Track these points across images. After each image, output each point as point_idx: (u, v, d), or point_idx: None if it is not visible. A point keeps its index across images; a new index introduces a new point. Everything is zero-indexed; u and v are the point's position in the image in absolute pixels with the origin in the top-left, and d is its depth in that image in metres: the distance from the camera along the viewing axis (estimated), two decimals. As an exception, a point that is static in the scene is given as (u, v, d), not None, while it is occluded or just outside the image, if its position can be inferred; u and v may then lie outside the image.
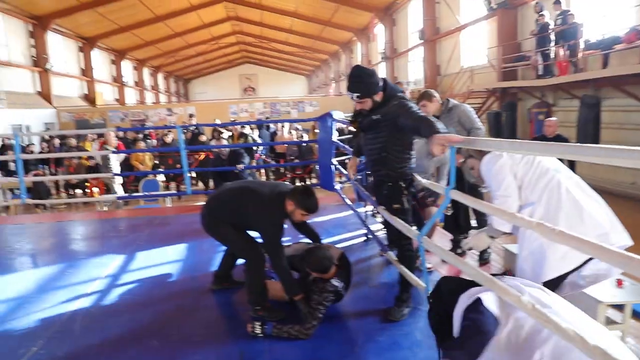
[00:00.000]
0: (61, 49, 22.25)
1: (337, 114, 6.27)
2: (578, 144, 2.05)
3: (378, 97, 2.86)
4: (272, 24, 29.10)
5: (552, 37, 9.76)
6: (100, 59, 26.42)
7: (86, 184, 10.60)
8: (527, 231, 2.19)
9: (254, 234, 3.28)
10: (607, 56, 9.02)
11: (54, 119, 20.22)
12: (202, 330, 3.03)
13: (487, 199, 2.69)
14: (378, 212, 3.92)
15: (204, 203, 3.45)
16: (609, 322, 3.47)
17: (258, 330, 2.86)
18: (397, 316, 3.02)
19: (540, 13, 9.97)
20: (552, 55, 9.91)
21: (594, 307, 3.16)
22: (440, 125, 2.45)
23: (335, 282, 3.00)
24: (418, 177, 3.16)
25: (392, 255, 3.33)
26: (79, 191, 11.06)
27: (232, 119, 18.65)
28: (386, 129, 2.88)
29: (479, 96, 13.42)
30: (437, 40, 17.43)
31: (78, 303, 3.47)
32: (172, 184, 10.56)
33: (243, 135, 10.20)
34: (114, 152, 7.55)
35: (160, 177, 9.02)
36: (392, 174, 2.97)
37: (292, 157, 10.34)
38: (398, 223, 2.96)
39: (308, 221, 3.43)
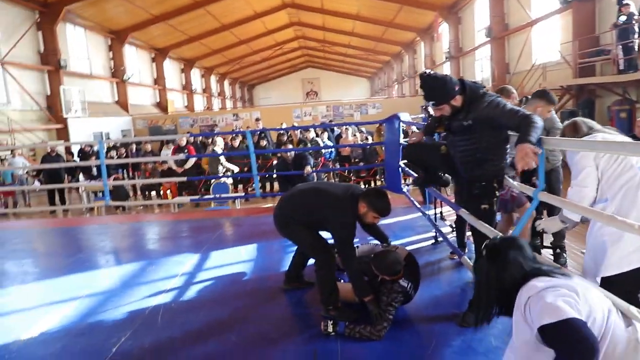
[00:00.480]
0: (136, 60, 23.73)
1: (404, 116, 6.22)
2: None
3: (456, 101, 2.78)
4: (334, 27, 29.29)
5: (637, 28, 9.07)
6: (170, 68, 27.87)
7: (160, 186, 11.19)
8: (595, 225, 2.10)
9: (325, 234, 3.33)
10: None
11: (129, 126, 21.54)
12: (277, 328, 3.11)
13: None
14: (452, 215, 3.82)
15: (277, 203, 3.55)
16: None
17: (330, 328, 2.89)
18: (470, 322, 2.94)
19: (625, 2, 9.29)
20: (636, 48, 9.20)
21: None
22: (540, 123, 2.41)
23: (403, 283, 2.99)
24: (508, 179, 3.06)
25: (466, 258, 3.25)
26: (154, 194, 11.70)
27: (296, 123, 18.96)
28: (480, 131, 2.78)
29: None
30: (505, 37, 16.76)
31: (159, 298, 3.69)
32: (240, 187, 10.89)
33: (302, 141, 10.28)
34: (189, 157, 7.89)
35: (229, 180, 9.34)
36: (487, 173, 2.87)
37: (357, 160, 10.33)
38: (484, 226, 2.88)
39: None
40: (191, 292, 3.83)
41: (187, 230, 6.01)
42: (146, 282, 4.12)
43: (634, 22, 9.08)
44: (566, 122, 2.68)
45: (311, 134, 9.74)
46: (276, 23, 28.46)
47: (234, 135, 10.95)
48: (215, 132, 15.48)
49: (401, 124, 6.14)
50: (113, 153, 12.45)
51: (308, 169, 6.34)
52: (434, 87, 2.77)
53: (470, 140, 2.83)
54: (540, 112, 3.50)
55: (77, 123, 16.89)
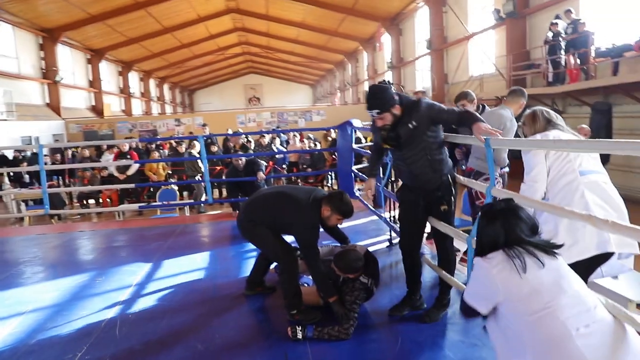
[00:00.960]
0: (70, 61, 22.50)
1: (356, 122, 6.35)
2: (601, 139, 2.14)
3: (396, 110, 2.91)
4: (279, 34, 29.35)
5: (563, 45, 9.85)
6: (107, 71, 26.69)
7: (99, 194, 10.68)
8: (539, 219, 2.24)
9: (289, 238, 3.34)
10: (616, 63, 9.10)
11: (62, 130, 20.36)
12: (243, 334, 3.08)
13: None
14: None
15: (241, 208, 3.53)
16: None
17: (299, 334, 2.90)
18: (436, 318, 3.06)
19: (554, 22, 10.08)
20: (563, 63, 9.99)
21: (623, 304, 3.17)
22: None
23: (364, 279, 3.08)
24: (460, 177, 3.29)
25: (428, 258, 3.39)
26: (91, 201, 11.13)
27: (240, 129, 18.77)
28: (423, 135, 2.93)
29: (488, 104, 13.45)
30: (444, 49, 17.57)
31: (114, 310, 3.52)
32: (186, 194, 10.63)
33: (244, 147, 10.17)
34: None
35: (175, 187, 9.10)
36: (443, 176, 3.04)
37: (305, 166, 10.40)
38: (445, 226, 3.04)
39: None
40: (148, 302, 3.69)
41: (136, 238, 5.78)
42: (97, 293, 3.92)
43: (560, 39, 9.84)
44: (527, 111, 2.85)
45: (266, 140, 9.69)
46: (220, 28, 28.08)
47: (178, 141, 10.66)
48: (160, 137, 14.98)
49: (353, 130, 6.26)
50: (47, 159, 11.74)
51: (261, 175, 6.29)
52: (376, 94, 2.89)
53: (417, 150, 2.96)
54: (521, 106, 3.88)
55: (2, 126, 15.71)
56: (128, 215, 9.60)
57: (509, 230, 1.77)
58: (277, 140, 10.97)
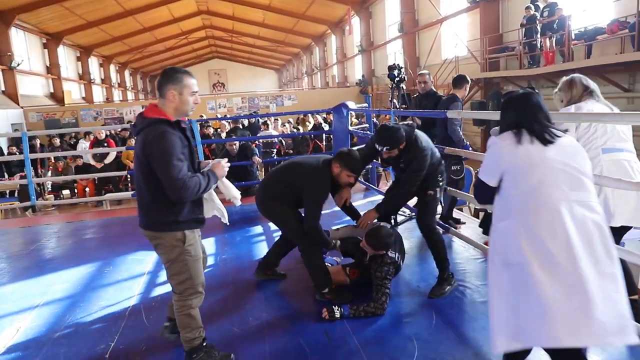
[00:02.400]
0: (24, 46, 21.33)
1: (351, 104, 6.35)
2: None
3: (402, 146, 3.26)
4: (244, 17, 28.78)
5: (539, 28, 10.12)
6: (65, 56, 25.48)
7: (74, 184, 10.26)
8: None
9: None
10: (590, 46, 9.44)
11: (21, 119, 19.39)
12: (276, 316, 3.08)
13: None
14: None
15: (258, 187, 3.52)
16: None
17: (337, 313, 2.92)
18: (439, 293, 3.19)
19: (528, 6, 10.33)
20: (539, 45, 10.27)
21: None
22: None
23: (392, 254, 3.12)
24: None
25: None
26: (66, 192, 10.69)
27: (219, 115, 18.43)
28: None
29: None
30: (416, 32, 17.71)
31: (134, 298, 3.45)
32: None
33: (233, 130, 10.08)
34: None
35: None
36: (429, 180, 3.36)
37: (289, 151, 10.34)
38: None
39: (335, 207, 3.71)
40: (167, 289, 3.59)
41: (132, 227, 5.56)
42: (110, 283, 3.81)
43: (537, 23, 10.10)
44: (564, 78, 2.90)
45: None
46: (183, 11, 27.24)
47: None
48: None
49: (349, 112, 6.25)
50: (14, 149, 11.17)
51: (257, 158, 6.21)
52: (389, 134, 3.20)
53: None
54: (466, 89, 4.69)
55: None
56: (107, 204, 9.29)
57: (525, 113, 1.94)
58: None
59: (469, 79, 4.86)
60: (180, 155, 2.18)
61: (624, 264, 2.50)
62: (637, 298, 2.56)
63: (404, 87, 5.49)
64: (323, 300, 3.20)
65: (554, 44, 9.92)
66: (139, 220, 2.39)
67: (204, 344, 2.46)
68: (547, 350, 1.88)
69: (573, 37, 9.45)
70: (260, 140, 9.24)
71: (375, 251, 3.16)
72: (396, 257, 3.15)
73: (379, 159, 3.59)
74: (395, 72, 5.38)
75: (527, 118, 1.92)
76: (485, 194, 2.03)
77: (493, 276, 1.92)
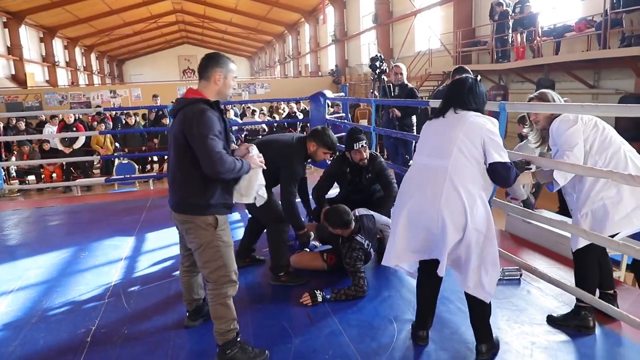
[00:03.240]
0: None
1: (329, 93, 6.39)
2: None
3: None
4: (216, 2, 28.18)
5: (511, 24, 10.36)
6: (28, 37, 24.41)
7: (41, 169, 9.95)
8: (592, 191, 2.44)
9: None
10: (558, 43, 9.75)
11: (-20, 101, 18.58)
12: (258, 298, 3.13)
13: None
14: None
15: None
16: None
17: (320, 298, 2.98)
18: None
19: (499, 2, 10.56)
20: (510, 40, 10.53)
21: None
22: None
23: (359, 238, 3.19)
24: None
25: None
26: (31, 177, 10.34)
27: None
28: (373, 184, 3.93)
29: (435, 79, 13.99)
30: (390, 24, 17.82)
31: (112, 283, 3.43)
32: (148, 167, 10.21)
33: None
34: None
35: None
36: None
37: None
38: None
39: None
40: (146, 273, 3.60)
41: (106, 213, 5.51)
42: (86, 269, 3.76)
43: (509, 18, 10.35)
44: (533, 95, 2.92)
45: (231, 113, 9.50)
46: (154, -7, 26.50)
47: (127, 113, 10.12)
48: (125, 107, 13.90)
49: (326, 100, 6.29)
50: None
51: (233, 145, 6.18)
52: (362, 131, 3.74)
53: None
54: None
55: None
56: (76, 191, 9.06)
57: (448, 93, 2.40)
58: (232, 112, 10.74)
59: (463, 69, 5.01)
60: (218, 133, 2.19)
61: (604, 258, 2.63)
62: (612, 292, 2.68)
63: (385, 79, 5.57)
64: (278, 283, 3.28)
65: (524, 40, 10.19)
66: (170, 202, 2.37)
67: (238, 338, 2.38)
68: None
69: (540, 33, 9.72)
70: (246, 127, 9.19)
71: (335, 229, 3.22)
72: (365, 243, 3.19)
73: (347, 173, 3.84)
74: (377, 64, 5.44)
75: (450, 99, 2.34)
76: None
77: None
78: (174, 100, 9.74)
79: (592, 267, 2.56)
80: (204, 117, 2.18)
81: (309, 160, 3.49)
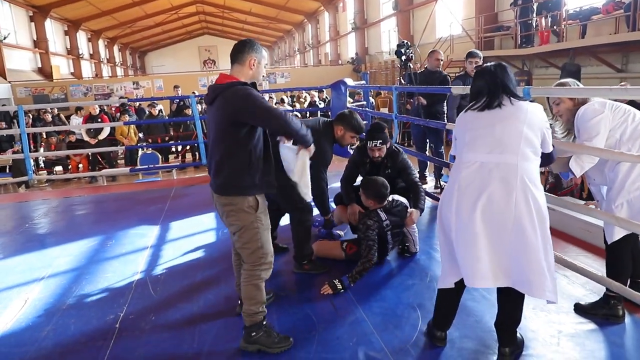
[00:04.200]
0: (10, 19, 20.78)
1: (349, 81, 6.35)
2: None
3: (388, 146, 3.64)
4: (236, -7, 28.26)
5: (535, 7, 10.10)
6: (53, 30, 24.89)
7: (68, 160, 10.19)
8: (627, 180, 2.37)
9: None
10: (585, 26, 9.46)
11: (8, 94, 19.02)
12: (283, 287, 3.14)
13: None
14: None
15: None
16: None
17: (339, 286, 2.99)
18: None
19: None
20: (534, 25, 10.27)
21: None
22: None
23: (380, 213, 3.20)
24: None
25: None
26: (58, 168, 10.61)
27: (203, 91, 18.21)
28: (396, 179, 3.74)
29: (457, 65, 13.75)
30: (411, 10, 17.56)
31: (139, 271, 3.50)
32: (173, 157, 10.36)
33: None
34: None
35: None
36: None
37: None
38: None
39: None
40: (172, 262, 3.67)
41: (131, 203, 5.62)
42: (114, 256, 3.85)
43: (533, 1, 10.08)
44: (554, 84, 2.86)
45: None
46: (174, -16, 26.65)
47: (152, 103, 10.26)
48: (147, 98, 14.06)
49: (347, 88, 6.26)
50: (2, 124, 11.02)
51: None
52: (382, 129, 3.60)
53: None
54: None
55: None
56: (102, 180, 9.25)
57: (490, 85, 2.09)
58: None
59: (474, 52, 5.23)
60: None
61: (637, 247, 2.56)
62: None
63: (411, 66, 5.52)
64: (301, 271, 3.30)
65: (549, 24, 9.92)
66: (212, 186, 2.40)
67: (264, 322, 2.42)
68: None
69: (565, 16, 9.44)
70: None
71: (368, 200, 3.25)
72: (383, 217, 3.19)
73: (367, 164, 3.75)
74: (403, 50, 5.38)
75: (498, 85, 2.10)
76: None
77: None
78: (194, 91, 9.83)
79: (626, 258, 2.50)
80: (253, 93, 2.24)
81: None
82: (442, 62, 5.70)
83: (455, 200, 2.05)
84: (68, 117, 12.48)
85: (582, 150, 2.41)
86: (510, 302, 2.14)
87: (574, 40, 9.39)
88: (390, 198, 3.35)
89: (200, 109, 10.22)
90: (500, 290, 2.16)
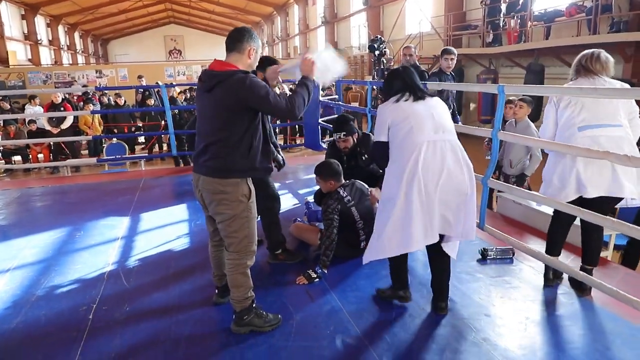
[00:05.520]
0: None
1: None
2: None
3: (355, 137, 3.79)
4: (204, -18, 27.69)
5: (503, 8, 10.38)
6: (8, 13, 23.73)
7: (27, 150, 9.80)
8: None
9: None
10: (549, 28, 9.81)
11: (-41, 80, 18.08)
12: (258, 277, 3.11)
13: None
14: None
15: None
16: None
17: (314, 275, 3.04)
18: None
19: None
20: (501, 24, 10.56)
21: None
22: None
23: (340, 191, 3.27)
24: None
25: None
26: (17, 158, 10.19)
27: (172, 82, 17.83)
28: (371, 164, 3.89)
29: (426, 62, 13.98)
30: (381, 6, 17.70)
31: (111, 262, 3.44)
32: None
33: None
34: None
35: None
36: None
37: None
38: None
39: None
40: (145, 252, 3.61)
41: (99, 194, 5.48)
42: (83, 248, 3.76)
43: (501, 2, 10.36)
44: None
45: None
46: (139, -29, 25.84)
47: (117, 93, 9.97)
48: (111, 87, 13.52)
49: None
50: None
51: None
52: (346, 121, 3.80)
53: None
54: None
55: None
56: (65, 172, 8.96)
57: (405, 81, 2.53)
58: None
59: (449, 49, 5.33)
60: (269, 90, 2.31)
61: (597, 234, 2.73)
62: (591, 269, 2.81)
63: (384, 61, 5.58)
64: (276, 262, 3.33)
65: (517, 24, 10.23)
66: (201, 169, 2.36)
67: (254, 305, 2.49)
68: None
69: (531, 17, 9.77)
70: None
71: (327, 182, 3.31)
72: (344, 195, 3.23)
73: (343, 157, 3.85)
74: (376, 45, 5.44)
75: (411, 82, 2.54)
76: (382, 153, 2.53)
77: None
78: (158, 82, 9.51)
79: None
80: (257, 81, 2.27)
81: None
82: (410, 57, 5.72)
83: (419, 175, 2.34)
84: (23, 107, 11.94)
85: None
86: (444, 261, 2.61)
87: (538, 42, 9.72)
88: (349, 181, 3.42)
89: (183, 99, 9.99)
90: (433, 253, 2.61)
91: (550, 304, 2.72)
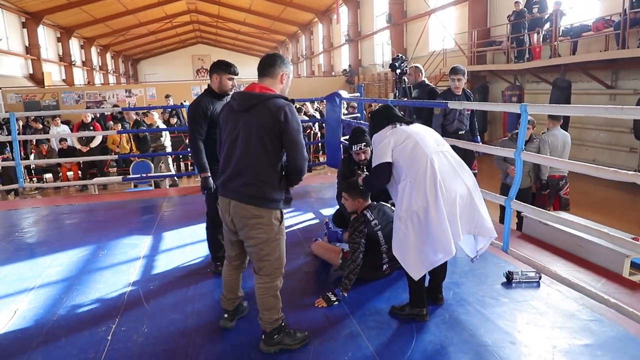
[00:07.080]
0: (2, 25, 20.64)
1: (344, 93, 6.38)
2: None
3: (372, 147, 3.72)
4: (230, 2, 28.33)
5: (527, 24, 10.25)
6: (45, 37, 24.77)
7: (58, 168, 10.10)
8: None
9: None
10: (575, 43, 9.63)
11: (-1, 100, 18.86)
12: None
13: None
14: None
15: None
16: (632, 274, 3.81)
17: (334, 299, 2.99)
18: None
19: (517, 1, 10.46)
20: (526, 40, 10.42)
21: (620, 260, 3.42)
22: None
23: (367, 213, 3.19)
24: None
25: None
26: (48, 175, 10.50)
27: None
28: None
29: (446, 79, 13.88)
30: (404, 24, 17.74)
31: (132, 282, 3.45)
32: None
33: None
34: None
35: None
36: None
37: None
38: None
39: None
40: (167, 272, 3.63)
41: (123, 212, 5.57)
42: (105, 267, 3.80)
43: (525, 18, 10.24)
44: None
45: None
46: (168, -7, 26.70)
47: (145, 112, 10.21)
48: (139, 107, 13.93)
49: (342, 101, 6.29)
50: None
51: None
52: (363, 133, 3.68)
53: None
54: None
55: None
56: (92, 189, 9.17)
57: (390, 115, 2.80)
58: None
59: (458, 68, 4.85)
60: None
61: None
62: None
63: (406, 80, 5.53)
64: (217, 272, 3.40)
65: (541, 40, 10.08)
66: (232, 194, 2.35)
67: (283, 324, 2.50)
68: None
69: (560, 33, 9.61)
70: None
71: (355, 200, 3.24)
72: (371, 218, 3.18)
73: (356, 172, 3.72)
74: (398, 64, 5.40)
75: (393, 116, 2.79)
76: (387, 173, 2.64)
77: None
78: (184, 101, 9.76)
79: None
80: (295, 113, 2.32)
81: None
82: (421, 75, 5.54)
83: (440, 183, 2.48)
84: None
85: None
86: (442, 265, 2.76)
87: (565, 57, 9.54)
88: (376, 204, 3.36)
89: (176, 120, 10.12)
90: None
91: (580, 331, 2.60)
